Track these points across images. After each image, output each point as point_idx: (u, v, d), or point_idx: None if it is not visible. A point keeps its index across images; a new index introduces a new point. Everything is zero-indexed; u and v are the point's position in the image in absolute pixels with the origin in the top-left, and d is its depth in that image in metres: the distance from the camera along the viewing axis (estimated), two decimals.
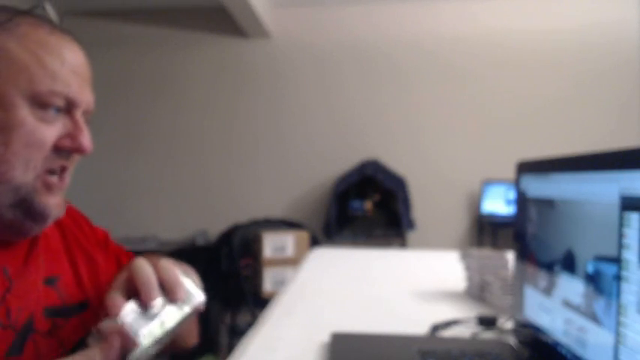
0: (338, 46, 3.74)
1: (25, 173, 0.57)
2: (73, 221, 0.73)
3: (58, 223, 0.68)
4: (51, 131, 0.58)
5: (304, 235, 3.12)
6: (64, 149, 0.60)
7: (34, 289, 0.62)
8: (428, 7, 3.67)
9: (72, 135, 0.60)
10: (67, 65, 0.59)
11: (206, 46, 3.83)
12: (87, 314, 0.67)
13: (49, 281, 0.64)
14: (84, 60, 0.63)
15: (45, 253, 0.65)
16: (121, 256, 0.79)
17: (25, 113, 0.56)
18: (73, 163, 0.63)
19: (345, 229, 3.55)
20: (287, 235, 3.10)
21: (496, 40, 3.61)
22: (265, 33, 3.67)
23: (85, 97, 0.62)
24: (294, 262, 2.94)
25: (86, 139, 0.61)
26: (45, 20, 0.60)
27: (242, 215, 3.64)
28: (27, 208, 0.58)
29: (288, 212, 3.75)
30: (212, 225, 3.74)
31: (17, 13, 0.58)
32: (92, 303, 0.68)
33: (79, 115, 0.61)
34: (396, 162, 3.60)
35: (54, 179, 0.60)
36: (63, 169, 0.61)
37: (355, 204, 3.45)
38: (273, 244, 3.06)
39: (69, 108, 0.60)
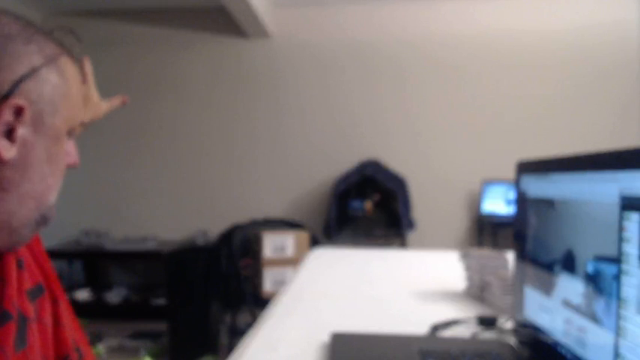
0: (338, 46, 3.74)
1: (55, 195, 0.62)
2: None
3: None
4: None
5: (304, 235, 3.12)
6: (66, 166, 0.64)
7: (14, 275, 0.60)
8: (428, 7, 3.67)
9: (69, 152, 0.64)
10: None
11: (206, 46, 3.83)
12: (47, 295, 0.66)
13: (19, 264, 0.63)
14: None
15: None
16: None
17: (65, 143, 0.61)
18: None
19: (345, 229, 3.55)
20: (287, 235, 3.10)
21: (496, 40, 3.61)
22: (265, 33, 3.67)
23: None
24: (294, 262, 2.94)
25: (77, 155, 0.66)
26: (64, 46, 0.62)
27: (242, 215, 3.65)
28: (44, 221, 0.61)
29: (288, 212, 3.75)
30: (212, 225, 3.74)
31: (54, 41, 0.60)
32: (43, 284, 0.67)
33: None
34: (396, 162, 3.60)
35: None
36: None
37: (355, 204, 3.44)
38: (273, 244, 3.06)
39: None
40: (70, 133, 0.62)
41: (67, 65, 0.61)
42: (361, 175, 3.45)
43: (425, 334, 0.86)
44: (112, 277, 3.91)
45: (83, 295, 3.49)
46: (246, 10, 3.16)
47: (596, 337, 0.55)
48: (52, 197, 0.61)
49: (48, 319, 0.64)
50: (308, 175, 3.76)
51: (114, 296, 3.51)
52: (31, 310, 0.60)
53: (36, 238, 0.73)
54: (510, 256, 1.03)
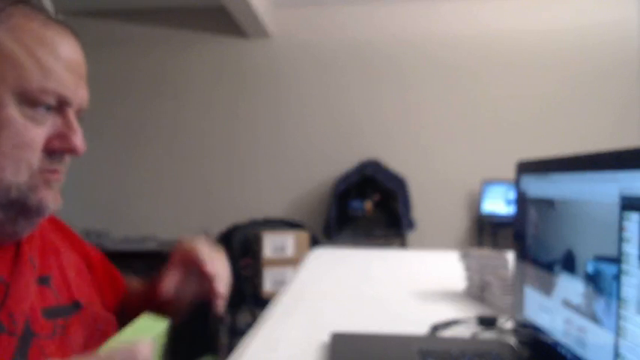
0: (338, 46, 3.74)
1: (16, 175, 0.54)
2: (50, 222, 0.70)
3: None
4: (40, 131, 0.55)
5: (304, 235, 3.11)
6: (54, 150, 0.56)
7: (28, 290, 0.58)
8: (428, 7, 3.67)
9: (63, 135, 0.57)
10: (61, 61, 0.56)
11: (206, 46, 3.83)
12: (84, 314, 0.64)
13: (43, 281, 0.60)
14: (80, 55, 0.59)
15: (31, 251, 0.61)
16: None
17: (13, 111, 0.53)
18: (66, 165, 0.60)
19: (345, 229, 3.55)
20: (287, 235, 3.10)
21: (496, 40, 3.61)
22: (265, 33, 3.67)
23: (79, 94, 0.58)
24: (294, 262, 2.93)
25: (78, 139, 0.57)
26: (40, 11, 0.57)
27: (242, 215, 3.64)
28: (20, 207, 0.55)
29: (288, 212, 3.75)
30: (212, 225, 3.74)
31: (10, 1, 0.55)
32: (83, 303, 0.65)
33: (71, 113, 0.58)
34: (396, 162, 3.60)
35: (53, 176, 0.58)
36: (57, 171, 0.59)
37: (355, 204, 3.44)
38: (273, 244, 3.05)
39: (61, 106, 0.57)
40: (29, 102, 0.54)
41: (29, 31, 0.54)
42: (361, 175, 3.45)
43: (425, 334, 0.86)
44: None
45: None
46: (246, 10, 3.16)
47: (596, 337, 0.55)
48: (9, 174, 0.53)
49: (77, 340, 0.61)
50: (308, 175, 3.76)
51: None
52: (46, 326, 0.57)
53: (92, 248, 0.74)
54: (510, 256, 1.03)
